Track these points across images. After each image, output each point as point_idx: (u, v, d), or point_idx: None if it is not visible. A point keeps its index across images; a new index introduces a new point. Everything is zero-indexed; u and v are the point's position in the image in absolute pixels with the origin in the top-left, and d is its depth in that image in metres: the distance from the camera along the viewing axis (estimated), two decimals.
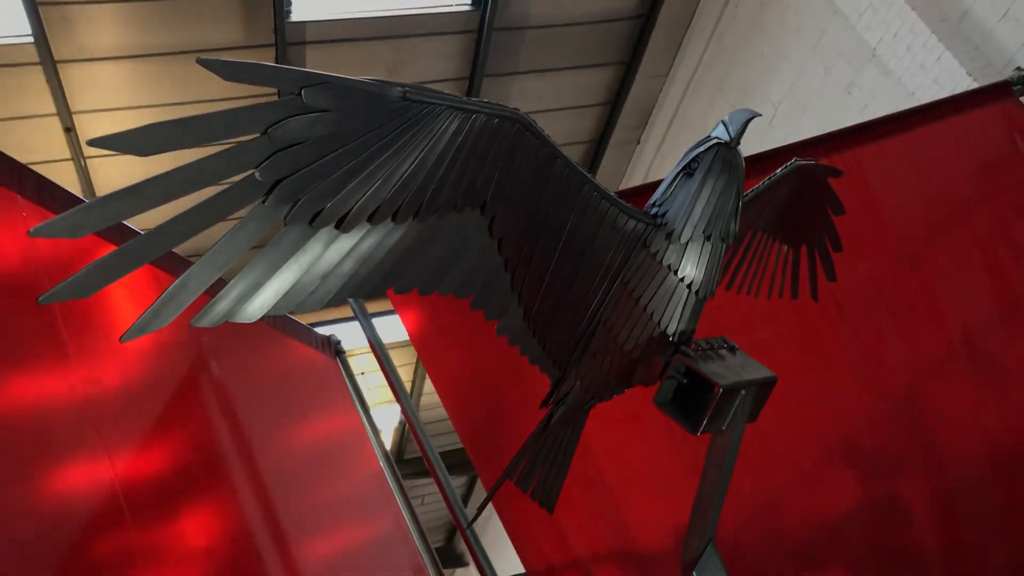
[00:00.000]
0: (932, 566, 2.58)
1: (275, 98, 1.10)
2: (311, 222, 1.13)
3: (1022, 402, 2.78)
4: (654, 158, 7.90)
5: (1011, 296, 3.00)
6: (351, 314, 3.19)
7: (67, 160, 6.31)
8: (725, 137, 1.45)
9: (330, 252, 1.17)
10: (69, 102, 6.04)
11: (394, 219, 1.21)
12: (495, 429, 2.70)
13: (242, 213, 1.08)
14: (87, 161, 6.32)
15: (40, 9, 5.60)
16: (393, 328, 3.32)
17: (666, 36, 7.40)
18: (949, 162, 3.05)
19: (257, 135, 1.05)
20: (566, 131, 7.66)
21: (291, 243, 1.13)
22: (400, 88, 1.13)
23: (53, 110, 6.04)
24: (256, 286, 1.12)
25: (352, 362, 3.51)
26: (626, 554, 2.52)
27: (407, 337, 2.95)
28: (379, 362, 3.09)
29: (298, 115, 1.06)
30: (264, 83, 1.07)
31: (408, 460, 13.17)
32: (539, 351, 1.54)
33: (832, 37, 6.35)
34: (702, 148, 1.47)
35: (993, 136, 3.14)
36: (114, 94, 6.01)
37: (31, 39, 5.76)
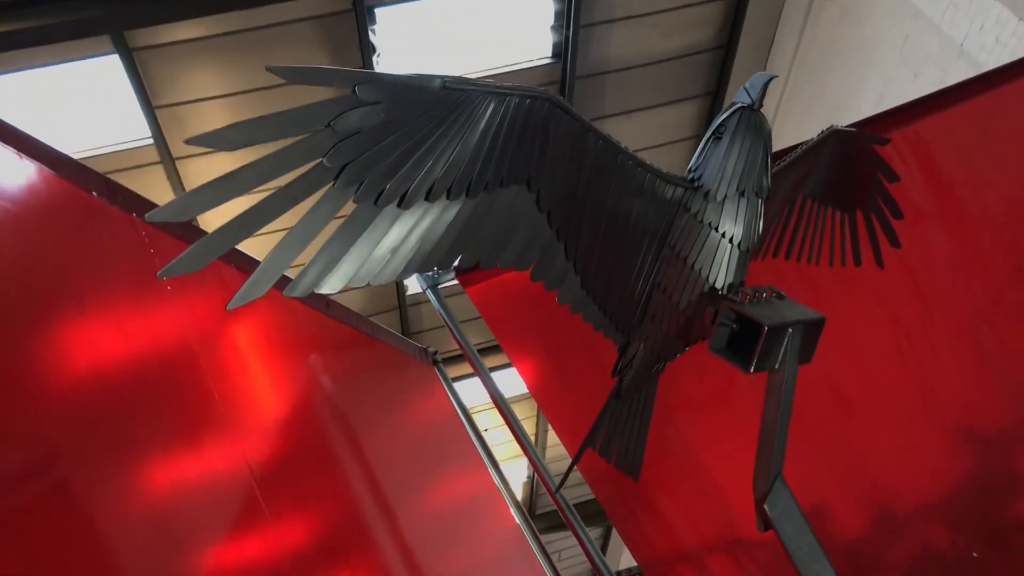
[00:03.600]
0: None
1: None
2: (376, 201, 1.32)
3: None
4: None
5: None
6: (470, 371, 3.20)
7: None
8: (747, 101, 1.59)
9: (396, 228, 1.36)
10: None
11: (448, 196, 1.39)
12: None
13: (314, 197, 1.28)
14: None
15: (156, 112, 6.17)
16: (512, 381, 3.35)
17: (749, 63, 7.49)
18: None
19: (322, 128, 1.25)
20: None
21: (361, 222, 1.32)
22: (440, 79, 1.32)
23: None
24: (335, 260, 1.31)
25: (477, 419, 3.57)
26: (730, 533, 2.58)
27: (526, 389, 2.98)
28: (503, 416, 3.08)
29: (354, 108, 1.26)
30: (322, 82, 1.27)
31: (541, 515, 13.19)
32: (601, 317, 1.68)
33: (916, 40, 6.34)
34: (727, 114, 1.61)
35: None
36: None
37: (151, 141, 6.33)
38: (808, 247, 2.07)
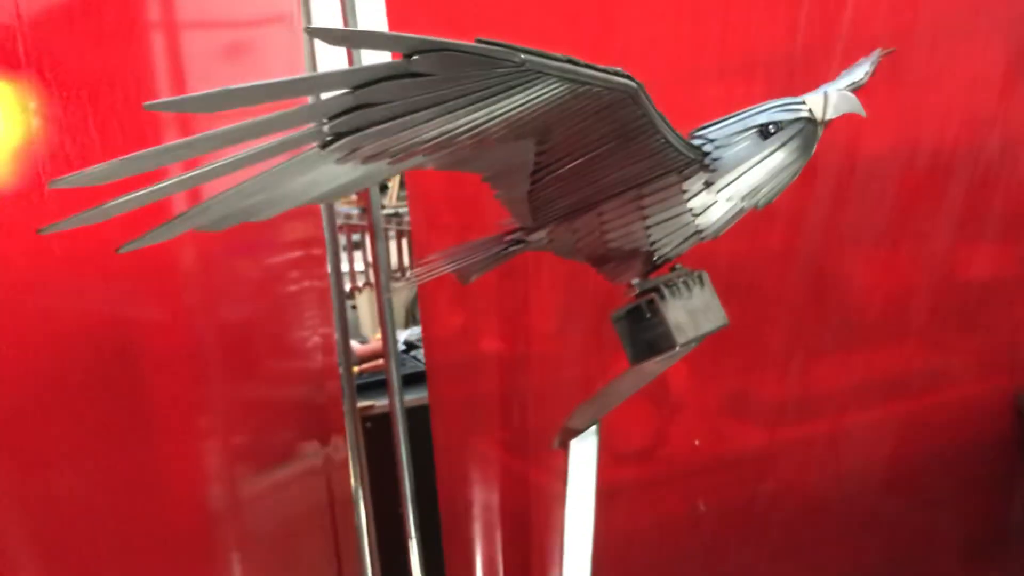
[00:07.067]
0: None
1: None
2: (354, 155, 0.97)
3: None
4: None
5: None
6: None
7: None
8: (819, 114, 1.29)
9: (357, 172, 1.03)
10: None
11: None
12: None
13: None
14: None
15: None
16: None
17: None
18: None
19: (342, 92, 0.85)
20: None
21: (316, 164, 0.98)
22: (522, 55, 0.92)
23: None
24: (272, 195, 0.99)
25: None
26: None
27: None
28: None
29: (399, 77, 0.86)
30: (376, 47, 0.84)
31: None
32: (525, 213, 1.45)
33: None
34: (790, 116, 1.30)
35: None
36: None
37: None
38: None
